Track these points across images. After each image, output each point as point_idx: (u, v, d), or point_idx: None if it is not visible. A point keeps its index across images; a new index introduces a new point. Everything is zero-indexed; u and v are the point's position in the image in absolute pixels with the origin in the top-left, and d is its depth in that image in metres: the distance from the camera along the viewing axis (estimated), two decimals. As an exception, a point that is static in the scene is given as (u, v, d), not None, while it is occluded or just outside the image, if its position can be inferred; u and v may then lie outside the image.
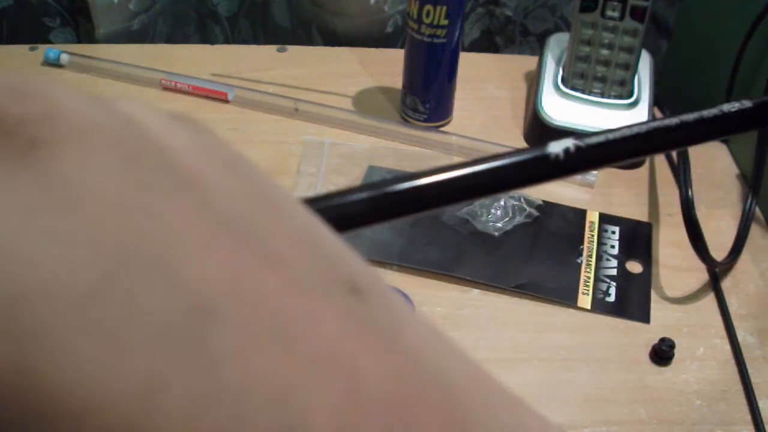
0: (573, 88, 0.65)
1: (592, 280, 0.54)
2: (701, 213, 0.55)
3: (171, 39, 0.82)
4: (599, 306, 0.52)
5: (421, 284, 0.53)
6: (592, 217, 0.59)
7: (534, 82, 0.69)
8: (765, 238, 0.59)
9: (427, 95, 0.66)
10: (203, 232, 0.12)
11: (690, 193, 0.54)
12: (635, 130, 0.22)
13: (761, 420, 0.46)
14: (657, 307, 0.53)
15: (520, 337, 0.50)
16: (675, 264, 0.56)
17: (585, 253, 0.56)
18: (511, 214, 0.58)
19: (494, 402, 0.14)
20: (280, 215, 0.14)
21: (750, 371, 0.48)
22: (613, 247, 0.57)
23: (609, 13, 0.61)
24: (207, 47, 0.79)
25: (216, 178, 0.13)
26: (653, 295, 0.53)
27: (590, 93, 0.64)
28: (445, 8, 0.60)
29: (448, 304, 0.52)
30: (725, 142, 0.68)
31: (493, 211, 0.58)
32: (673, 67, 0.77)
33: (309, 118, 0.67)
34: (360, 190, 0.19)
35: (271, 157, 0.63)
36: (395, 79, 0.68)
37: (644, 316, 0.52)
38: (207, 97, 0.69)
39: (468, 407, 0.13)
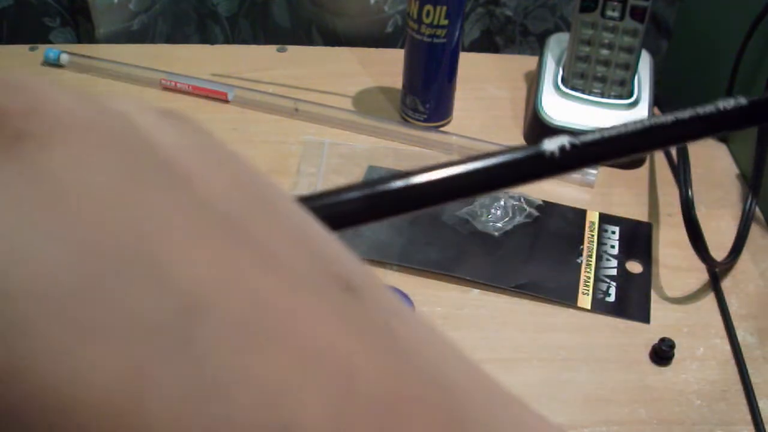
0: (573, 88, 0.65)
1: (592, 280, 0.54)
2: (701, 213, 0.55)
3: (171, 39, 0.82)
4: (599, 306, 0.52)
5: (421, 284, 0.53)
6: (592, 217, 0.59)
7: (534, 82, 0.69)
8: (765, 238, 0.59)
9: (427, 95, 0.66)
10: (194, 230, 0.12)
11: (690, 193, 0.54)
12: (630, 127, 0.22)
13: (761, 420, 0.46)
14: (657, 307, 0.53)
15: (520, 337, 0.50)
16: (675, 264, 0.56)
17: (585, 253, 0.56)
18: (511, 214, 0.58)
19: (494, 402, 0.14)
20: (273, 213, 0.14)
21: (750, 371, 0.48)
22: (613, 247, 0.57)
23: (609, 13, 0.61)
24: (207, 47, 0.79)
25: (208, 175, 0.13)
26: (653, 295, 0.53)
27: (590, 93, 0.64)
28: (445, 8, 0.60)
29: (448, 304, 0.52)
30: (725, 142, 0.68)
31: (493, 211, 0.58)
32: (673, 67, 0.77)
33: (309, 118, 0.67)
34: (354, 188, 0.19)
35: (271, 157, 0.63)
36: (395, 79, 0.68)
37: (644, 316, 0.52)
38: (207, 97, 0.69)
39: (468, 407, 0.13)
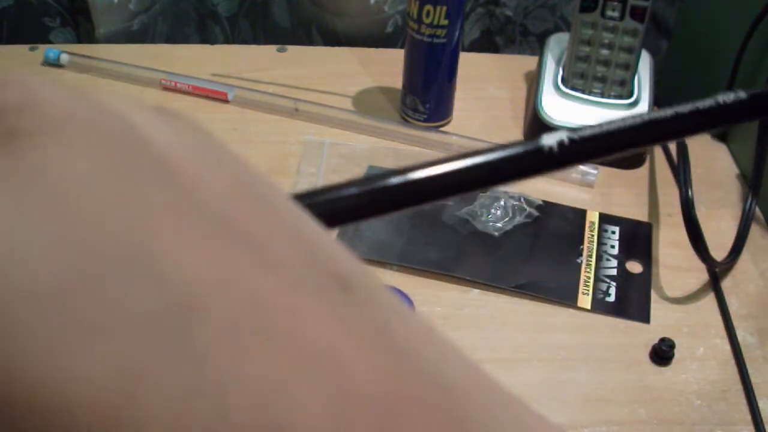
0: (573, 88, 0.65)
1: (592, 280, 0.54)
2: (701, 213, 0.55)
3: (171, 39, 0.82)
4: (599, 306, 0.52)
5: (421, 284, 0.53)
6: (592, 217, 0.59)
7: (534, 82, 0.69)
8: (765, 238, 0.59)
9: (427, 95, 0.66)
10: (188, 227, 0.12)
11: (690, 193, 0.54)
12: (629, 122, 0.21)
13: (761, 420, 0.46)
14: (657, 307, 0.53)
15: (520, 337, 0.50)
16: (675, 264, 0.56)
17: (585, 253, 0.56)
18: (511, 214, 0.58)
19: (494, 402, 0.14)
20: (268, 210, 0.14)
21: (750, 371, 0.48)
22: (613, 247, 0.57)
23: (609, 13, 0.61)
24: (207, 47, 0.79)
25: (202, 172, 0.13)
26: (653, 295, 0.53)
27: (590, 93, 0.64)
28: (445, 8, 0.60)
29: (448, 304, 0.52)
30: (725, 141, 0.68)
31: (493, 211, 0.58)
32: (673, 67, 0.77)
33: (309, 118, 0.67)
34: (351, 185, 0.19)
35: (271, 157, 0.63)
36: (395, 79, 0.68)
37: (644, 316, 0.52)
38: (207, 97, 0.69)
39: (468, 407, 0.13)
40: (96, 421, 0.10)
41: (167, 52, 0.75)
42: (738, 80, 0.63)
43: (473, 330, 0.51)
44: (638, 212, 0.60)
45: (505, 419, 0.14)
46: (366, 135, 0.66)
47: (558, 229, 0.58)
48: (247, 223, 0.13)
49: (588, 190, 0.62)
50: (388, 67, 0.71)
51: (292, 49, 0.76)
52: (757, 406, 0.46)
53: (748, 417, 0.46)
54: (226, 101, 0.69)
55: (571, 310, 0.52)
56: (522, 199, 0.59)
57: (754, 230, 0.58)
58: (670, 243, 0.57)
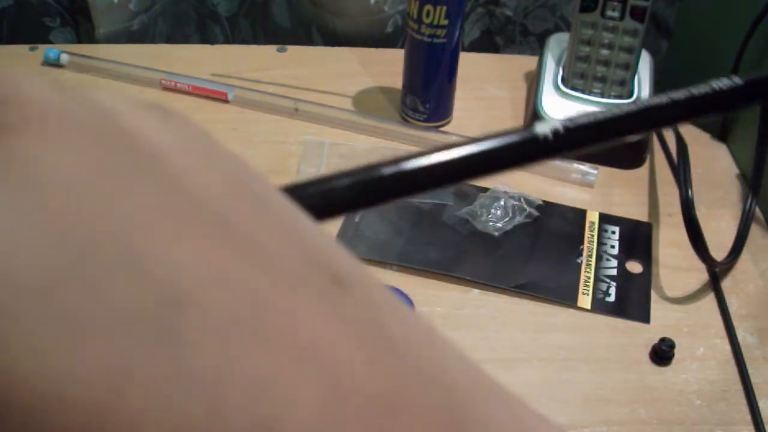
0: (573, 88, 0.65)
1: (592, 280, 0.54)
2: (701, 213, 0.55)
3: (171, 39, 0.82)
4: (599, 306, 0.52)
5: (421, 284, 0.53)
6: (592, 217, 0.59)
7: (534, 82, 0.69)
8: (765, 238, 0.59)
9: (427, 95, 0.66)
10: (175, 220, 0.12)
11: (690, 193, 0.54)
12: (625, 109, 0.21)
13: (761, 420, 0.46)
14: (657, 307, 0.53)
15: (520, 337, 0.50)
16: (675, 264, 0.56)
17: (585, 253, 0.56)
18: (511, 214, 0.58)
19: (494, 402, 0.14)
20: (257, 204, 0.13)
21: (750, 371, 0.48)
22: (613, 247, 0.57)
23: (609, 13, 0.61)
24: (207, 47, 0.79)
25: (190, 166, 0.13)
26: (653, 295, 0.53)
27: (590, 93, 0.64)
28: (445, 8, 0.60)
29: (448, 304, 0.52)
30: (725, 141, 0.68)
31: (493, 211, 0.58)
32: (673, 67, 0.77)
33: (309, 118, 0.67)
34: (342, 176, 0.19)
35: (271, 157, 0.63)
36: (395, 79, 0.68)
37: (644, 316, 0.52)
38: (207, 97, 0.69)
39: (468, 407, 0.13)
40: (91, 420, 0.10)
41: (167, 52, 0.75)
42: (738, 80, 0.63)
43: (473, 330, 0.51)
44: (638, 212, 0.60)
45: (505, 419, 0.14)
46: (366, 135, 0.66)
47: (558, 229, 0.58)
48: (234, 215, 0.13)
49: (588, 190, 0.62)
50: (388, 67, 0.71)
51: (292, 49, 0.76)
52: (757, 406, 0.46)
53: (748, 417, 0.46)
54: (226, 101, 0.69)
55: (571, 310, 0.52)
56: (522, 199, 0.59)
57: (754, 230, 0.58)
58: (670, 243, 0.57)
